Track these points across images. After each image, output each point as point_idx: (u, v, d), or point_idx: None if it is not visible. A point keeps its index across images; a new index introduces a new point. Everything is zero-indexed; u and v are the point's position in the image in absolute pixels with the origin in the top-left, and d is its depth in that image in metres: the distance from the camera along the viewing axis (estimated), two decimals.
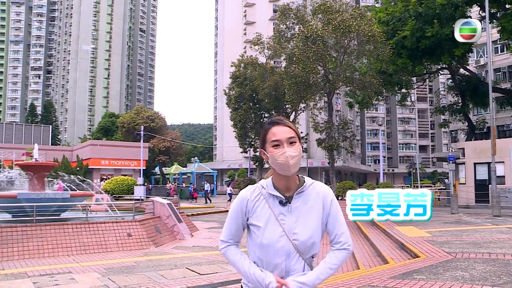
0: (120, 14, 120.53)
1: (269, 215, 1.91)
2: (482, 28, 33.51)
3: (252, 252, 1.96)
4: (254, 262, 1.95)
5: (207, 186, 34.93)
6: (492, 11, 23.64)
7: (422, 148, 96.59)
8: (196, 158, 63.41)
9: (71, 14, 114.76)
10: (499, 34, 26.19)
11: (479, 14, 27.72)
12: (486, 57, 35.03)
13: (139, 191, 27.84)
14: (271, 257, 1.88)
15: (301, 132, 44.50)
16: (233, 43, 75.90)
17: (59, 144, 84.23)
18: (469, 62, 32.84)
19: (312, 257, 1.95)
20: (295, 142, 1.91)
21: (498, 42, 36.48)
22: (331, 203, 1.96)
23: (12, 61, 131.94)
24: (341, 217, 1.99)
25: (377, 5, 32.81)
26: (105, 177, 41.48)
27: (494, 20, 25.16)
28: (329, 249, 1.99)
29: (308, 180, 1.99)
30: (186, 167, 62.83)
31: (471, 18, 26.03)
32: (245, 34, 75.26)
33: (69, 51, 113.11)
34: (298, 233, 1.88)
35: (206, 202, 32.80)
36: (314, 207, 1.93)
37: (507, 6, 23.63)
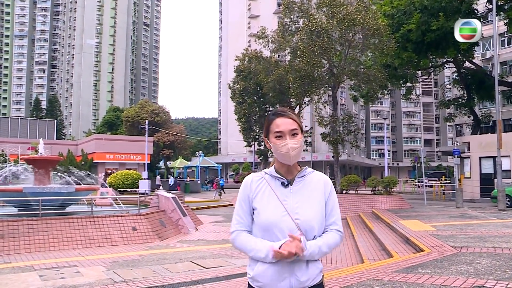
0: (124, 8, 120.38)
1: (271, 196, 1.97)
2: (488, 20, 33.30)
3: (255, 235, 1.99)
4: None
5: (170, 180, 34.21)
6: (499, 3, 23.41)
7: (427, 142, 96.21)
8: (200, 152, 63.60)
9: (75, 8, 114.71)
10: (506, 26, 25.95)
11: (485, 6, 27.47)
12: (493, 50, 34.73)
13: (144, 185, 27.92)
14: (274, 236, 1.91)
15: (305, 126, 44.37)
16: (237, 37, 75.71)
17: (64, 139, 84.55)
18: (474, 55, 32.57)
19: None
20: (297, 134, 1.98)
21: (505, 35, 36.17)
22: (331, 190, 2.05)
23: (16, 55, 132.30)
24: (337, 205, 2.07)
25: None
26: (110, 171, 41.64)
27: (501, 12, 24.91)
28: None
29: (308, 168, 2.09)
30: (190, 161, 63.00)
31: (477, 11, 25.84)
32: (249, 27, 75.03)
33: (74, 45, 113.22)
34: (299, 213, 1.93)
35: None
36: (315, 191, 2.01)
37: None
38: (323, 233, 2.00)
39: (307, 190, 2.00)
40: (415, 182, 39.53)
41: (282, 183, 1.99)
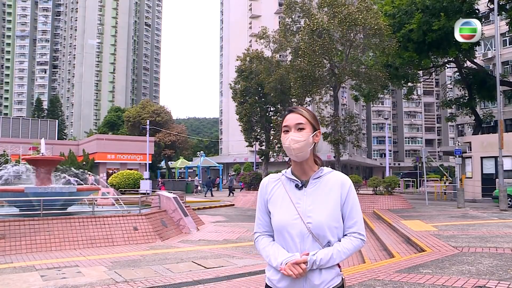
0: (125, 8, 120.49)
1: (285, 198, 1.96)
2: (490, 20, 33.22)
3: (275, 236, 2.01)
4: None
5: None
6: (501, 3, 23.38)
7: (428, 142, 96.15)
8: (202, 152, 63.55)
9: (77, 8, 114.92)
10: (507, 26, 25.92)
11: (487, 6, 27.45)
12: (494, 50, 34.69)
13: (145, 185, 27.95)
14: (286, 240, 1.91)
15: None
16: (238, 37, 75.70)
17: (65, 139, 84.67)
18: (476, 55, 32.54)
19: (329, 245, 1.93)
20: (303, 129, 1.95)
21: (506, 35, 36.13)
22: (349, 191, 1.97)
23: (18, 56, 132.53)
24: (358, 207, 1.99)
25: None
26: (111, 171, 41.74)
27: (503, 12, 24.88)
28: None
29: (327, 168, 2.04)
30: (192, 161, 63.01)
31: (478, 10, 25.81)
32: (250, 27, 75.02)
33: (75, 45, 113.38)
34: (312, 216, 1.89)
35: None
36: (331, 194, 1.95)
37: None
38: (344, 236, 1.96)
39: (322, 192, 1.95)
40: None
41: (296, 185, 1.97)
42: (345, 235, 1.97)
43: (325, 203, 1.93)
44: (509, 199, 18.33)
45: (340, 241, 1.95)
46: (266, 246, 1.98)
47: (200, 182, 44.23)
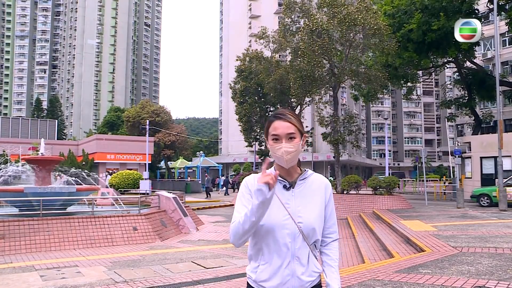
0: (125, 8, 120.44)
1: (273, 198, 1.90)
2: (489, 20, 33.26)
3: (257, 239, 1.93)
4: (261, 250, 1.93)
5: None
6: (500, 3, 23.38)
7: (428, 142, 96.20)
8: (201, 152, 63.59)
9: (76, 8, 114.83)
10: (507, 26, 25.94)
11: (486, 6, 27.46)
12: (494, 50, 34.73)
13: (145, 185, 27.94)
14: (277, 240, 1.90)
15: (306, 126, 44.30)
16: (238, 37, 75.72)
17: (65, 139, 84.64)
18: (475, 55, 32.55)
19: (315, 245, 1.98)
20: (294, 138, 1.94)
21: (506, 35, 36.16)
22: (330, 193, 2.08)
23: (18, 56, 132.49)
24: (334, 209, 2.11)
25: None
26: (111, 171, 41.70)
27: (502, 12, 24.89)
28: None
29: (309, 170, 2.09)
30: (191, 161, 62.98)
31: (478, 11, 25.81)
32: (250, 27, 75.04)
33: (75, 45, 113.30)
34: (302, 216, 1.93)
35: None
36: (317, 194, 2.01)
37: None
38: (323, 238, 2.05)
39: (308, 193, 1.99)
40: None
41: (284, 186, 1.98)
42: (325, 235, 2.07)
43: (313, 203, 1.98)
44: (486, 197, 19.34)
45: (322, 242, 2.07)
46: (240, 216, 1.83)
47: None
